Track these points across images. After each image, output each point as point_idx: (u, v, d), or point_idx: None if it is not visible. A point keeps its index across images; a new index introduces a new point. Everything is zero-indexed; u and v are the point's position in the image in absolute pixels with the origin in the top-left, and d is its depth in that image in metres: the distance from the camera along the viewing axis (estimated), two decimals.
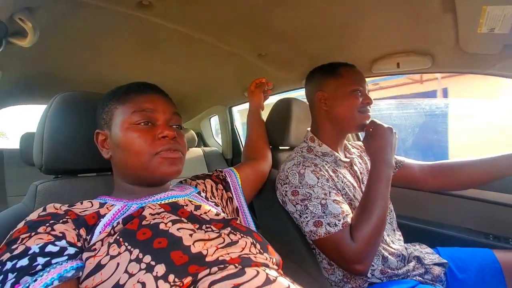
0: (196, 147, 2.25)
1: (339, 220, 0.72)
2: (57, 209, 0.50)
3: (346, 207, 0.76)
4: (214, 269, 0.42)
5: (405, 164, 0.99)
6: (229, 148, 2.18)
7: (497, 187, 1.08)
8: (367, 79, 0.92)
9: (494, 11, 0.64)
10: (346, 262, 0.71)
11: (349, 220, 0.73)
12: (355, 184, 0.87)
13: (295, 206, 0.79)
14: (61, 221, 0.47)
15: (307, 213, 0.76)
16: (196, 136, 2.22)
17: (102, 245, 0.45)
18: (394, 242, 0.86)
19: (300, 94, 1.46)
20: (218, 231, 0.52)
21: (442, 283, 0.80)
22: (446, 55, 0.94)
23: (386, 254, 0.80)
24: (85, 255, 0.45)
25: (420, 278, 0.78)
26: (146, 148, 0.57)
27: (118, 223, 0.49)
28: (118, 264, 0.42)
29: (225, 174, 0.81)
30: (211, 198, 0.70)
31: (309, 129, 0.96)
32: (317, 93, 0.90)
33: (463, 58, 0.91)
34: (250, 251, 0.49)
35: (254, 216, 1.06)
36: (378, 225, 0.71)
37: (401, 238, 0.91)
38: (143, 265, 0.41)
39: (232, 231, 0.52)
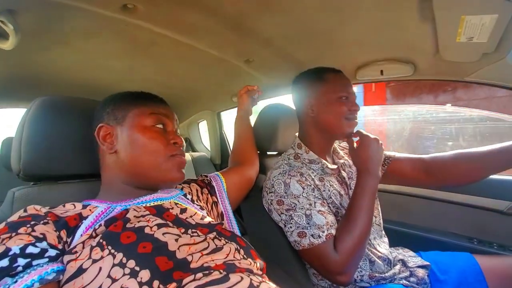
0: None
1: (323, 232, 0.72)
2: (38, 211, 0.49)
3: (331, 218, 0.75)
4: (199, 275, 0.42)
5: (395, 159, 0.95)
6: (218, 154, 2.17)
7: (483, 191, 1.10)
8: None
9: (472, 21, 0.66)
10: (329, 273, 0.72)
11: (333, 231, 0.73)
12: (342, 192, 0.87)
13: (280, 216, 0.79)
14: (41, 222, 0.46)
15: (291, 223, 0.76)
16: (184, 142, 2.20)
17: (83, 247, 0.44)
18: (380, 245, 0.87)
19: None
20: (204, 236, 0.52)
21: (426, 286, 0.81)
22: (427, 63, 0.97)
23: (373, 258, 0.81)
24: (66, 258, 0.43)
25: (406, 282, 0.79)
26: (162, 149, 0.60)
27: (100, 225, 0.48)
28: (100, 268, 0.41)
29: (210, 179, 0.80)
30: (196, 201, 0.69)
31: (297, 134, 0.96)
32: (304, 99, 0.89)
33: (444, 66, 0.94)
34: (234, 257, 0.49)
35: (241, 221, 1.05)
36: (362, 237, 0.71)
37: (386, 240, 0.92)
38: (127, 270, 0.41)
39: (217, 236, 0.52)
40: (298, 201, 0.76)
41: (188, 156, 2.16)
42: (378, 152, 0.81)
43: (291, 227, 0.76)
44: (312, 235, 0.72)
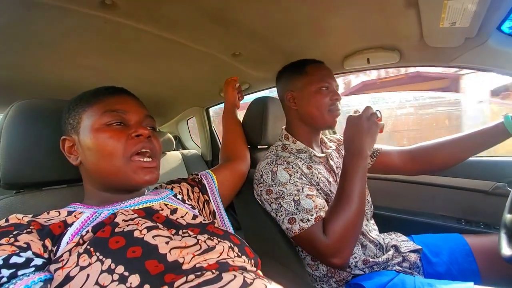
0: (174, 150, 2.20)
1: (312, 215, 0.72)
2: (20, 220, 0.47)
3: (319, 201, 0.76)
4: (191, 276, 0.41)
5: (382, 152, 0.99)
6: (209, 150, 2.15)
7: (468, 174, 1.14)
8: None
9: (455, 5, 0.67)
10: (322, 256, 0.71)
11: (322, 214, 0.73)
12: (331, 179, 0.88)
13: (270, 205, 0.79)
14: (25, 231, 0.44)
15: (281, 211, 0.76)
16: (173, 140, 2.17)
17: (70, 255, 0.43)
18: (371, 231, 0.89)
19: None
20: (195, 236, 0.50)
21: (419, 270, 0.83)
22: (412, 50, 0.97)
23: (365, 242, 0.83)
24: (52, 266, 0.42)
25: (399, 268, 0.81)
26: (119, 148, 0.54)
27: (87, 231, 0.46)
28: (88, 275, 0.39)
29: (201, 177, 0.79)
30: (187, 201, 0.68)
31: (284, 127, 0.97)
32: (286, 93, 0.90)
33: (428, 52, 0.95)
34: (228, 255, 0.48)
35: (235, 216, 1.05)
36: (352, 219, 0.70)
37: (376, 228, 0.94)
38: (116, 276, 0.39)
39: (209, 236, 0.51)
40: (286, 188, 0.76)
41: (178, 154, 2.13)
42: (366, 128, 0.74)
43: (281, 215, 0.76)
44: (301, 220, 0.72)
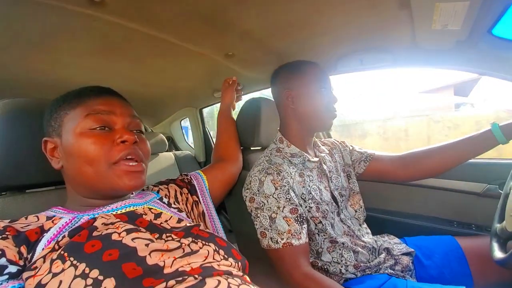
0: (167, 151, 2.17)
1: (282, 239, 0.72)
2: None
3: (295, 228, 0.74)
4: (171, 282, 0.39)
5: (375, 157, 1.00)
6: (202, 151, 2.13)
7: (460, 176, 1.14)
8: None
9: (446, 8, 0.67)
10: (281, 276, 0.73)
11: (293, 241, 0.72)
12: (322, 186, 0.87)
13: (251, 213, 0.80)
14: (0, 237, 0.42)
15: (257, 222, 0.77)
16: (166, 140, 2.15)
17: (44, 262, 0.41)
18: (363, 235, 0.88)
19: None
20: (178, 239, 0.48)
21: (411, 273, 0.83)
22: (404, 51, 0.98)
23: (358, 248, 0.82)
24: (25, 274, 0.40)
25: (391, 271, 0.80)
26: (103, 155, 0.52)
27: (63, 236, 0.44)
28: (60, 282, 0.37)
29: (190, 178, 0.78)
30: (174, 204, 0.66)
31: (278, 129, 0.96)
32: (284, 91, 0.89)
33: (420, 54, 0.95)
34: (213, 258, 0.46)
35: (227, 218, 1.04)
36: None
37: (369, 231, 0.94)
38: (90, 281, 0.37)
39: (194, 239, 0.49)
40: (267, 201, 0.76)
41: (171, 155, 2.11)
42: None
43: (256, 224, 0.78)
44: (271, 238, 0.73)
